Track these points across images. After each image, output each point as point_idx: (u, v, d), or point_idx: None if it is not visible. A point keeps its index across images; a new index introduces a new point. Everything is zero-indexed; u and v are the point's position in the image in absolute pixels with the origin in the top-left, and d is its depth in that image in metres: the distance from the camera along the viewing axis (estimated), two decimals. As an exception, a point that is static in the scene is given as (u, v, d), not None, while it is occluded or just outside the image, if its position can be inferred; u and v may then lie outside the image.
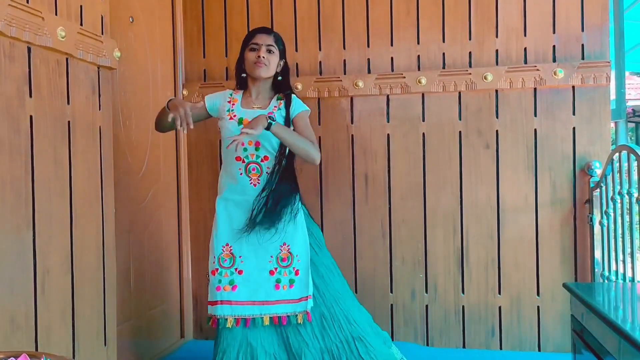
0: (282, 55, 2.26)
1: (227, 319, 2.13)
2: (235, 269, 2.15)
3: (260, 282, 2.15)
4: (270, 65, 2.20)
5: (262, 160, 2.16)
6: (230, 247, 2.16)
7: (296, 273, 2.16)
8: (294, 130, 2.18)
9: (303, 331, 2.15)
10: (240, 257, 2.16)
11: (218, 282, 2.15)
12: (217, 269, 2.16)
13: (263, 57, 2.17)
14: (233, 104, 2.24)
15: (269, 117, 2.05)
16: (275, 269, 2.16)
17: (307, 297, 2.15)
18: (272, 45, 2.21)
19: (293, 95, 2.26)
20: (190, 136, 3.08)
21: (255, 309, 2.14)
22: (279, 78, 2.27)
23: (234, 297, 2.13)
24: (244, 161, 2.16)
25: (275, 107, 2.22)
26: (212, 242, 2.22)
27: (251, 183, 2.15)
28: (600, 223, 2.58)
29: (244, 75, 2.26)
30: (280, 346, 2.16)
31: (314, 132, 2.23)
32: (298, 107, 2.23)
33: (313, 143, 2.16)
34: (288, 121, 2.19)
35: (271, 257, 2.16)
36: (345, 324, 2.18)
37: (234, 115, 2.20)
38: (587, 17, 2.72)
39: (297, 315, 2.13)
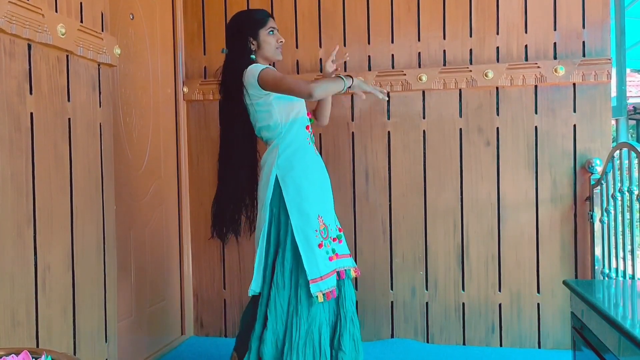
0: None
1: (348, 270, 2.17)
2: (331, 238, 2.14)
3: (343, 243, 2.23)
4: None
5: (313, 131, 2.25)
6: (322, 218, 2.11)
7: (339, 230, 2.24)
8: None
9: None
10: (329, 225, 2.15)
11: (327, 254, 2.10)
12: (322, 242, 2.09)
13: (282, 43, 2.22)
14: None
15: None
16: (322, 242, 2.17)
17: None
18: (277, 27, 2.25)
19: None
20: (191, 132, 3.08)
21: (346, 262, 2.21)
22: None
23: (338, 264, 2.14)
24: (309, 129, 2.20)
25: None
26: (303, 218, 2.06)
27: (315, 152, 2.22)
28: (601, 220, 2.58)
29: (253, 57, 2.18)
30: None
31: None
32: None
33: None
34: None
35: (315, 230, 2.17)
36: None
37: None
38: (588, 14, 2.71)
39: (351, 269, 2.21)
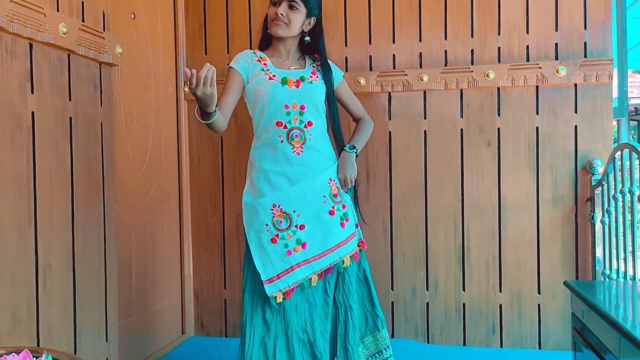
0: (312, 13, 2.03)
1: (311, 279, 1.92)
2: (296, 226, 1.92)
3: (327, 226, 1.96)
4: (291, 24, 1.98)
5: (305, 127, 1.97)
6: (279, 207, 1.91)
7: (343, 207, 2.03)
8: (338, 99, 2.15)
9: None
10: (294, 211, 1.92)
11: (285, 247, 1.90)
12: (277, 235, 1.90)
13: (282, 15, 1.95)
14: (265, 64, 2.01)
15: (351, 148, 2.07)
16: (333, 207, 1.98)
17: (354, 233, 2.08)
18: (294, 2, 1.97)
19: (329, 61, 2.13)
20: (192, 132, 3.08)
21: (334, 255, 1.96)
22: (307, 39, 2.06)
23: (309, 255, 1.92)
24: (285, 127, 1.94)
25: (313, 67, 2.09)
26: (253, 215, 1.94)
27: (294, 152, 1.94)
28: (602, 221, 2.58)
29: (268, 31, 2.04)
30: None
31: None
32: (338, 73, 2.16)
33: (366, 116, 2.29)
34: (330, 88, 2.08)
35: (324, 196, 1.98)
36: None
37: (274, 75, 1.97)
38: (590, 15, 2.71)
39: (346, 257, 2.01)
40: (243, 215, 2.00)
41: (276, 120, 1.95)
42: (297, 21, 1.99)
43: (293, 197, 1.94)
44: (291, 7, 1.97)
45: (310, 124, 1.99)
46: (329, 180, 2.02)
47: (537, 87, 2.74)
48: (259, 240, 1.92)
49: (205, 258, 3.10)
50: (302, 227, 1.93)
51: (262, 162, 1.96)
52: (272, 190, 1.93)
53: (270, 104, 1.95)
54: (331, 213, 1.98)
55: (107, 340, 2.11)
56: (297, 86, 1.99)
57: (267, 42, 2.11)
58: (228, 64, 2.05)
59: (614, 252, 2.47)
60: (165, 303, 2.87)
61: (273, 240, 1.91)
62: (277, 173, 1.94)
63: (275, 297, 1.88)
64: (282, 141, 1.95)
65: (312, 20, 2.05)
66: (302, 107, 1.98)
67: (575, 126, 2.72)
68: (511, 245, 2.77)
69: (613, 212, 2.45)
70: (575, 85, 2.71)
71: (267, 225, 1.92)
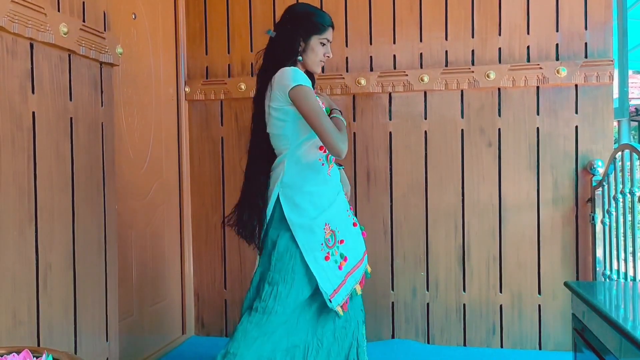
0: None
1: (355, 288, 2.08)
2: (338, 242, 2.03)
3: (356, 237, 2.12)
4: None
5: None
6: (328, 225, 2.00)
7: (354, 225, 2.16)
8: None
9: None
10: (336, 228, 2.03)
11: (335, 263, 2.00)
12: (328, 253, 1.99)
13: (328, 57, 2.08)
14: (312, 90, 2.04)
15: (339, 165, 2.20)
16: (354, 219, 2.14)
17: None
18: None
19: None
20: (192, 132, 3.08)
21: (364, 264, 2.16)
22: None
23: (350, 266, 2.05)
24: (325, 150, 2.01)
25: None
26: (309, 235, 1.97)
27: (328, 173, 2.05)
28: (602, 222, 2.58)
29: (300, 58, 2.03)
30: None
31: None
32: None
33: None
34: None
35: (347, 211, 2.13)
36: None
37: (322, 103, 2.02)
38: (591, 15, 2.71)
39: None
40: (293, 236, 1.97)
41: (319, 144, 1.99)
42: None
43: (335, 215, 2.05)
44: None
45: None
46: (345, 195, 2.17)
47: (537, 87, 2.74)
48: (315, 259, 1.98)
49: (205, 258, 3.10)
50: (342, 241, 2.04)
51: (305, 185, 2.00)
52: (318, 212, 2.00)
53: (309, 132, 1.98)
54: (354, 225, 2.13)
55: (107, 340, 2.11)
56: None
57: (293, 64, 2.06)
58: (294, 84, 1.86)
59: (614, 252, 2.47)
60: (166, 303, 2.88)
61: (326, 258, 1.99)
62: (320, 195, 2.02)
63: (337, 311, 1.99)
64: (322, 164, 2.03)
65: None
66: None
67: (576, 127, 2.72)
68: (512, 246, 2.77)
69: (613, 213, 2.45)
70: (576, 85, 2.71)
71: (321, 244, 1.99)
